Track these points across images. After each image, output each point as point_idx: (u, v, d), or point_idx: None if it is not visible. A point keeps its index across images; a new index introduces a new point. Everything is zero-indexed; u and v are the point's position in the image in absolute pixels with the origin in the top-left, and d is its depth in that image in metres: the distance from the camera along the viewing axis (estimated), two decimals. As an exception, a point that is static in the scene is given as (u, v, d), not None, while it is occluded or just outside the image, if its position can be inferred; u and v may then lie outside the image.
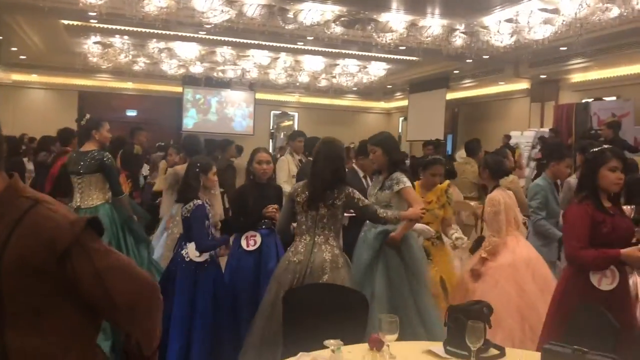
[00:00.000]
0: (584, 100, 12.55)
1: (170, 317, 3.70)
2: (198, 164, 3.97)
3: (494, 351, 2.29)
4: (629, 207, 4.23)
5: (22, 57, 15.18)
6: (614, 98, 11.97)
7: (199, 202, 3.83)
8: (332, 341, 2.04)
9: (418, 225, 3.97)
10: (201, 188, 3.95)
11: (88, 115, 4.90)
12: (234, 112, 19.38)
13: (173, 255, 4.18)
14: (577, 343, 2.19)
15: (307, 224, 3.40)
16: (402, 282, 3.64)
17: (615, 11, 7.77)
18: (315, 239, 3.35)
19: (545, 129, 12.37)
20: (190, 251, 3.82)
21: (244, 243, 4.21)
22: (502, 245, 4.21)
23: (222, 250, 4.06)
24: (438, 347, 2.33)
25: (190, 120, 18.78)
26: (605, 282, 2.90)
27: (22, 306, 1.37)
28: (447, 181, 4.58)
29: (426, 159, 4.80)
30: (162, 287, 3.90)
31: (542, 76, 13.44)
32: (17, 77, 17.05)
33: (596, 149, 3.18)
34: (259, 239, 4.20)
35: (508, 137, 12.35)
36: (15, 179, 1.45)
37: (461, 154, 8.67)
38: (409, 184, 3.75)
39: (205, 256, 3.85)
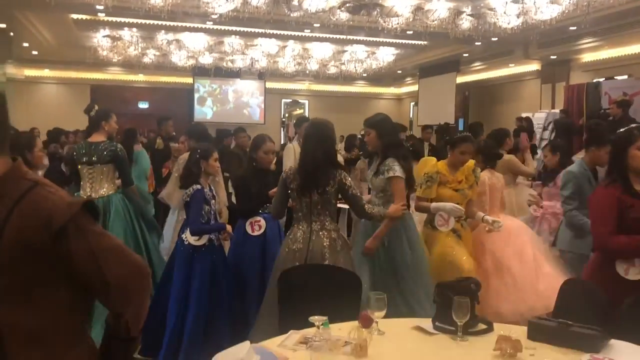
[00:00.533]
0: (594, 80, 12.42)
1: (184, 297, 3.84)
2: (198, 150, 4.04)
3: (482, 326, 2.33)
4: None
5: (34, 52, 15.38)
6: (625, 77, 11.83)
7: (198, 186, 3.91)
8: (316, 317, 2.09)
9: (448, 205, 3.96)
10: (202, 174, 4.01)
11: (96, 107, 4.98)
12: (244, 101, 19.47)
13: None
14: (566, 317, 2.23)
15: (302, 211, 3.41)
16: (387, 273, 3.71)
17: (622, -12, 7.67)
18: (312, 226, 3.37)
19: (557, 110, 12.29)
20: (189, 234, 3.91)
21: (249, 228, 4.28)
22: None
23: (224, 234, 4.13)
24: (427, 323, 2.38)
25: (201, 111, 18.92)
26: (633, 271, 2.70)
27: (16, 282, 1.43)
28: (473, 160, 4.35)
29: (455, 136, 4.46)
30: (168, 271, 4.02)
31: (552, 57, 13.31)
32: (29, 72, 17.28)
33: (623, 129, 2.98)
34: (263, 224, 4.28)
35: (520, 120, 12.24)
36: (19, 162, 1.51)
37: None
38: (398, 173, 3.68)
39: (204, 240, 3.92)
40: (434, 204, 4.10)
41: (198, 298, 3.83)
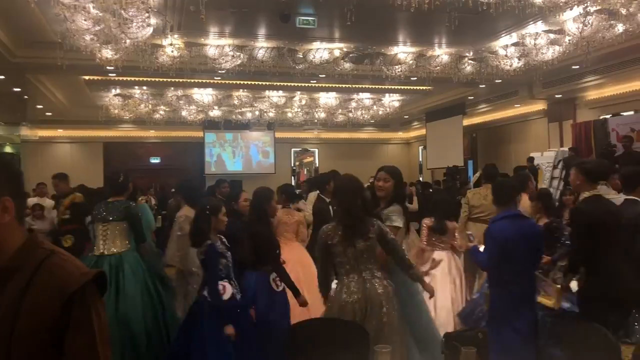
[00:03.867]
0: (601, 117, 12.46)
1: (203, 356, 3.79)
2: (208, 207, 4.09)
3: (492, 376, 2.30)
4: None
5: (47, 113, 15.75)
6: (631, 112, 11.87)
7: (209, 242, 3.93)
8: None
9: None
10: (212, 230, 4.04)
11: (122, 175, 5.07)
12: (254, 152, 19.69)
13: (196, 297, 4.24)
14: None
15: (350, 263, 3.39)
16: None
17: (619, 27, 7.78)
18: (364, 275, 3.38)
19: (565, 148, 12.30)
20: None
21: (273, 285, 4.38)
22: None
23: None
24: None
25: (212, 164, 19.15)
26: None
27: (24, 353, 1.43)
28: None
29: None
30: (186, 327, 3.97)
31: (557, 96, 13.40)
32: (42, 133, 17.66)
33: None
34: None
35: (531, 160, 12.24)
36: (34, 234, 1.57)
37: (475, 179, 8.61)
38: (396, 223, 3.80)
39: (228, 294, 3.92)
40: None
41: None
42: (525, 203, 5.41)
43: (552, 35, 8.84)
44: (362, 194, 3.47)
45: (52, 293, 1.43)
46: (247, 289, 4.27)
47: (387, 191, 3.94)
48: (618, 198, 5.09)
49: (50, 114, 15.81)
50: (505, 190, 3.94)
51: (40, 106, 14.75)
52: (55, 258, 1.50)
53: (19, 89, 12.31)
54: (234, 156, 19.53)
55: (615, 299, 3.56)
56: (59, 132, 18.11)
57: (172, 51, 8.88)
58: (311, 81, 12.39)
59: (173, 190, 11.02)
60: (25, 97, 13.09)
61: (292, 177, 20.54)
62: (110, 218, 4.76)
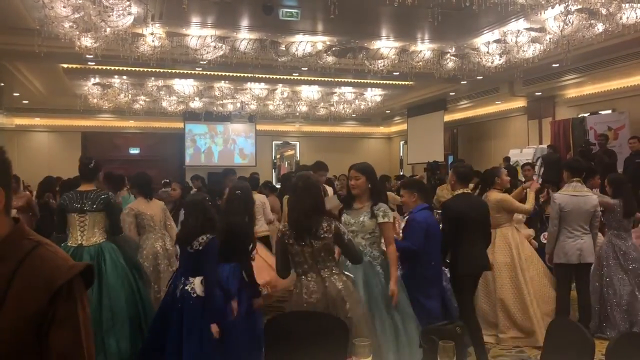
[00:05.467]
0: (580, 115, 12.63)
1: (178, 352, 3.76)
2: (207, 198, 4.09)
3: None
4: None
5: (24, 101, 15.49)
6: (609, 111, 12.04)
7: (211, 235, 3.92)
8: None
9: None
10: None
11: (94, 161, 4.99)
12: (235, 144, 19.60)
13: (170, 290, 4.20)
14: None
15: (307, 262, 3.39)
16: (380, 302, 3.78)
17: (599, 27, 7.87)
18: (322, 274, 3.38)
19: (544, 146, 12.45)
20: (197, 286, 3.86)
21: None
22: None
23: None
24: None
25: (192, 155, 19.02)
26: None
27: (6, 345, 1.39)
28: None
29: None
30: (160, 320, 3.94)
31: (537, 93, 13.55)
32: (20, 121, 17.35)
33: None
34: None
35: (507, 159, 12.40)
36: (21, 224, 1.53)
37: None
38: (392, 220, 3.96)
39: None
40: None
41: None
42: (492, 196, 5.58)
43: (533, 33, 8.92)
44: (313, 194, 3.46)
45: (39, 285, 1.40)
46: (224, 281, 4.23)
47: (361, 188, 4.01)
48: (590, 195, 5.37)
49: (27, 102, 15.55)
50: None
51: (17, 94, 14.50)
52: (41, 249, 1.47)
53: (-6, 76, 12.08)
54: (214, 148, 19.43)
55: (468, 274, 4.60)
56: (37, 121, 17.83)
57: (153, 41, 8.76)
58: (293, 74, 12.34)
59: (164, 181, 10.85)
60: (2, 84, 12.83)
61: (273, 170, 20.49)
62: (87, 208, 4.67)
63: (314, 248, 3.35)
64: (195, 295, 3.85)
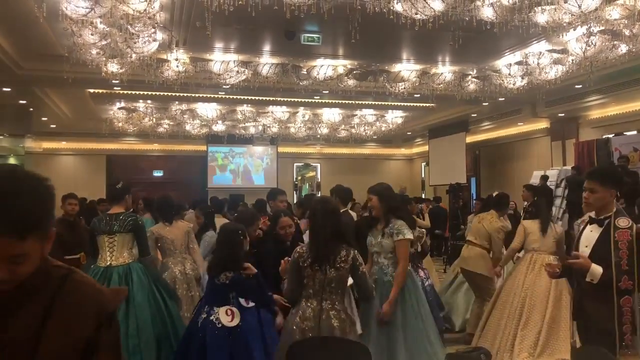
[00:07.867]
0: (604, 136, 12.48)
1: None
2: (239, 231, 4.01)
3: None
4: None
5: (52, 125, 15.82)
6: (634, 132, 11.88)
7: (235, 274, 3.86)
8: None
9: None
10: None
11: (121, 183, 5.15)
12: (257, 166, 19.74)
13: (194, 320, 4.13)
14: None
15: (314, 288, 3.32)
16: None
17: (623, 48, 7.81)
18: (323, 305, 3.30)
19: (568, 167, 12.29)
20: (222, 317, 3.84)
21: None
22: None
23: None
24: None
25: (215, 177, 19.20)
26: None
27: None
28: None
29: None
30: (184, 351, 3.92)
31: (560, 114, 13.42)
32: (47, 145, 17.75)
33: None
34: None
35: (545, 177, 12.00)
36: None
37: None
38: (408, 235, 3.92)
39: (237, 320, 3.85)
40: None
41: None
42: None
43: (555, 55, 8.87)
44: (332, 219, 3.40)
45: (87, 313, 1.40)
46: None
47: (376, 208, 4.05)
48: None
49: (54, 126, 15.88)
50: None
51: (45, 118, 14.82)
52: (76, 276, 1.46)
53: (24, 101, 12.37)
54: (236, 170, 19.60)
55: None
56: (63, 145, 18.19)
57: (178, 66, 8.93)
58: (315, 97, 12.44)
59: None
60: (31, 109, 13.14)
61: (294, 192, 20.54)
62: (116, 229, 4.82)
63: (327, 277, 3.30)
64: (220, 325, 3.81)
